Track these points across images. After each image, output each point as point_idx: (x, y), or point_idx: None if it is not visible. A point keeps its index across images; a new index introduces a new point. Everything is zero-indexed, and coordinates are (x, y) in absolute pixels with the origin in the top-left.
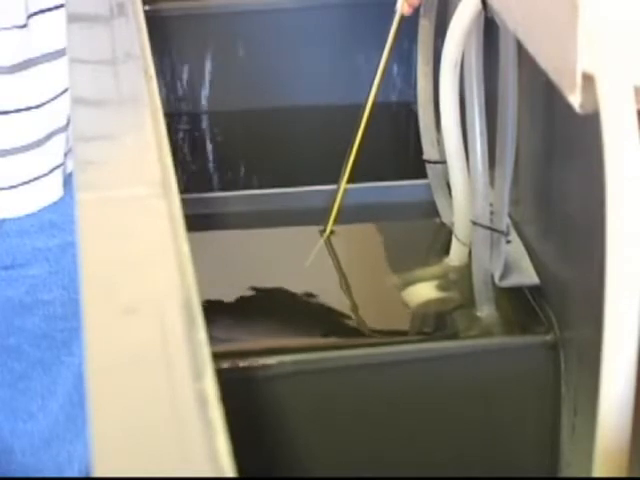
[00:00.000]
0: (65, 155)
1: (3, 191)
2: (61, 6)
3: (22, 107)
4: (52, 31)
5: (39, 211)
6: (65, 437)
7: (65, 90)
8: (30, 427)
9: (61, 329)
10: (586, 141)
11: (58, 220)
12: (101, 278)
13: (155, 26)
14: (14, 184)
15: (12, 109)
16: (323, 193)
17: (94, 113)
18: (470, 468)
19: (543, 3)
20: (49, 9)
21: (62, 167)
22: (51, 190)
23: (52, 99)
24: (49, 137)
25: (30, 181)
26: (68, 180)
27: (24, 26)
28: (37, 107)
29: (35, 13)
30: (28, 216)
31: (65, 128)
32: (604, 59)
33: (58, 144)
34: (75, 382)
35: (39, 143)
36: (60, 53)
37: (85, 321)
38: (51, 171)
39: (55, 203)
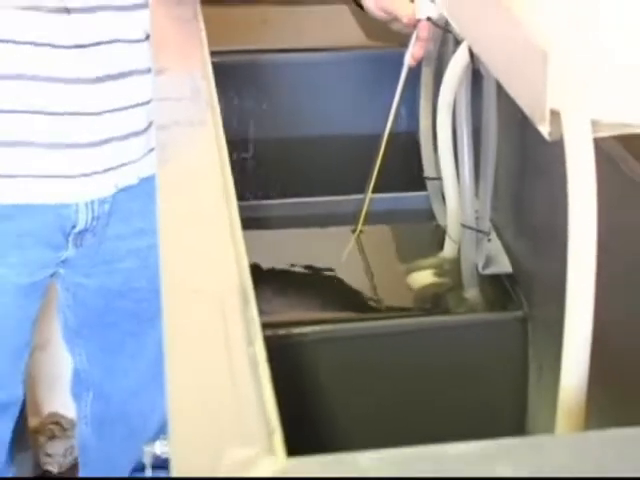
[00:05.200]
0: (122, 166)
1: (67, 179)
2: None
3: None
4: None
5: (132, 220)
6: (151, 391)
7: (127, 107)
8: (125, 382)
9: (146, 309)
10: (552, 162)
11: (146, 226)
12: (176, 266)
13: (218, 72)
14: (74, 174)
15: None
16: (346, 202)
17: (173, 137)
18: (459, 414)
19: (519, 55)
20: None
21: (116, 171)
22: (102, 187)
23: (113, 110)
24: (106, 141)
25: (89, 174)
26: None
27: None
28: (97, 114)
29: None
30: (124, 224)
31: (122, 138)
32: (567, 98)
33: (112, 150)
34: (158, 349)
35: (96, 144)
36: (139, 72)
37: (164, 299)
38: (106, 171)
39: (145, 213)
